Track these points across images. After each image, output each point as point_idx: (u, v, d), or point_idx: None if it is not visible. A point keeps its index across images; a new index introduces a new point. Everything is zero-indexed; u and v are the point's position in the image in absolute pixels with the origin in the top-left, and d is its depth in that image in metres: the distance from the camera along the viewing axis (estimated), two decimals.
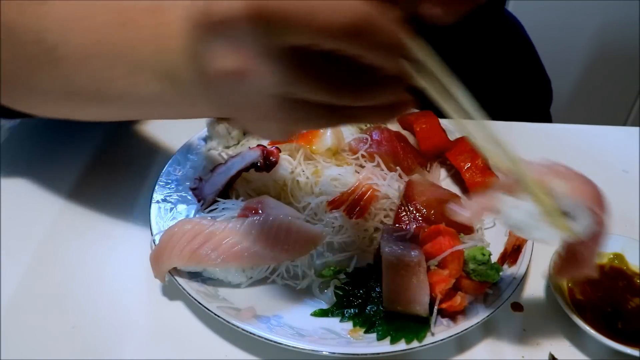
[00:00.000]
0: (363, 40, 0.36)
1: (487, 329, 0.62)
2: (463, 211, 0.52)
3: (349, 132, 0.81)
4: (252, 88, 0.39)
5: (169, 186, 0.75)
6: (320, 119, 0.42)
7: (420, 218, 0.67)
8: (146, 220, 0.69)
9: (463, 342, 0.60)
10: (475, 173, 0.77)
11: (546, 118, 1.15)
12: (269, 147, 0.74)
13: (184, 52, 0.43)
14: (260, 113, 0.41)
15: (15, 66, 0.54)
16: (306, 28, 0.35)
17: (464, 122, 0.44)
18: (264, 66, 0.37)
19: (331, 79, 0.39)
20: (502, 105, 0.97)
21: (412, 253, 0.59)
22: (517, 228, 0.49)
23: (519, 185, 0.48)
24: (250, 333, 0.56)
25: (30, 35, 0.51)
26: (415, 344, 0.56)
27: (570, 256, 0.56)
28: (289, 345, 0.55)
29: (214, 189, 0.72)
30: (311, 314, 0.61)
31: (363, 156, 0.76)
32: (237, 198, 0.72)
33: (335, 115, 0.41)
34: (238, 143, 0.82)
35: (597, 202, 0.51)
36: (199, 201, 0.73)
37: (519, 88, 1.10)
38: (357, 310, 0.61)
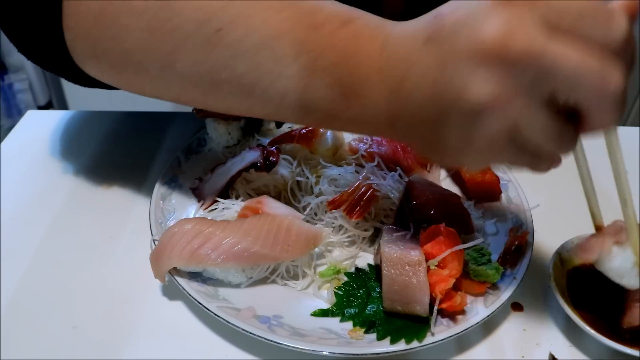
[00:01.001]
0: (617, 108, 0.40)
1: (487, 329, 0.62)
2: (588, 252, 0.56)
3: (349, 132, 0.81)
4: (497, 122, 0.40)
5: (169, 186, 0.75)
6: (526, 162, 0.45)
7: (420, 218, 0.67)
8: (146, 220, 0.69)
9: (463, 342, 0.60)
10: (475, 173, 0.77)
11: None
12: (269, 147, 0.74)
13: (378, 68, 0.43)
14: (483, 147, 0.42)
15: (158, 41, 0.50)
16: (581, 89, 0.38)
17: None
18: (518, 101, 0.39)
19: (564, 134, 0.42)
20: None
21: (412, 253, 0.59)
22: (610, 272, 0.54)
23: (626, 235, 0.52)
24: (250, 333, 0.56)
25: (191, 13, 0.48)
26: (415, 344, 0.56)
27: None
28: (289, 345, 0.55)
29: (214, 189, 0.72)
30: (311, 314, 0.61)
31: (363, 156, 0.76)
32: (237, 198, 0.72)
33: (537, 161, 0.45)
34: (238, 143, 0.82)
35: None
36: (199, 201, 0.73)
37: None
38: (357, 310, 0.61)
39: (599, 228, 0.56)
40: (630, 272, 0.53)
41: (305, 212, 0.71)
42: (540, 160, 0.45)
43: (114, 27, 0.52)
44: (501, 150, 0.42)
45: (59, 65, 0.61)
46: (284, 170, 0.74)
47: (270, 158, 0.72)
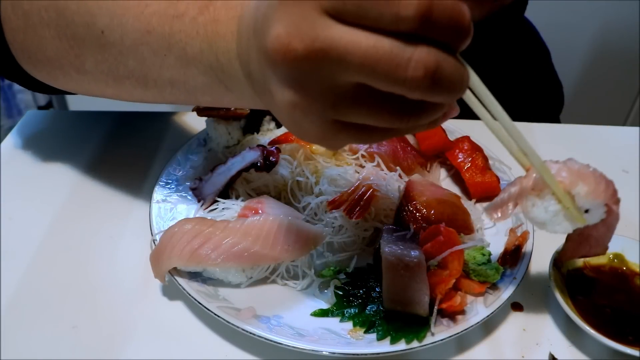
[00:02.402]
0: (427, 91, 0.36)
1: (487, 329, 0.62)
2: (493, 214, 0.55)
3: None
4: (308, 114, 0.40)
5: (169, 186, 0.75)
6: (368, 138, 0.42)
7: (420, 218, 0.67)
8: (146, 220, 0.69)
9: (463, 342, 0.60)
10: (475, 173, 0.77)
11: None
12: (269, 147, 0.74)
13: (237, 53, 0.44)
14: (310, 131, 0.42)
15: (66, 46, 0.56)
16: (370, 73, 0.35)
17: (497, 128, 0.47)
18: (321, 97, 0.38)
19: (384, 111, 0.38)
20: (515, 109, 0.97)
21: (412, 253, 0.59)
22: (539, 224, 0.54)
23: (544, 186, 0.51)
24: (250, 333, 0.56)
25: (79, 18, 0.53)
26: (415, 344, 0.56)
27: (583, 239, 0.60)
28: (289, 345, 0.55)
29: (214, 189, 0.72)
30: (311, 314, 0.61)
31: (363, 156, 0.76)
32: (237, 198, 0.72)
33: (383, 134, 0.42)
34: (238, 143, 0.82)
35: (612, 197, 0.55)
36: (199, 201, 0.73)
37: (533, 93, 1.09)
38: (357, 310, 0.61)
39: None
40: (556, 219, 0.53)
41: (305, 212, 0.71)
42: (387, 132, 0.42)
43: (35, 38, 0.58)
44: (337, 134, 0.41)
45: (16, 74, 0.67)
46: (284, 170, 0.74)
47: (270, 158, 0.72)
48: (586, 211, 0.53)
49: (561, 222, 0.53)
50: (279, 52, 0.36)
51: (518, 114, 0.94)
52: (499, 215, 0.55)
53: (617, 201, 0.56)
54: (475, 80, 0.40)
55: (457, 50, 0.37)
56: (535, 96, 1.10)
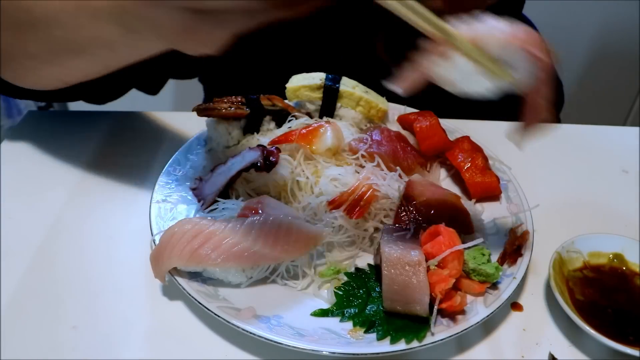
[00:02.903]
0: None
1: (487, 329, 0.62)
2: (399, 84, 0.53)
3: (349, 132, 0.81)
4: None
5: (169, 186, 0.75)
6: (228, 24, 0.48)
7: (420, 218, 0.67)
8: (146, 220, 0.69)
9: (463, 342, 0.60)
10: (475, 173, 0.77)
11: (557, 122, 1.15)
12: (269, 147, 0.74)
13: None
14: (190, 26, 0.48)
15: (9, 35, 0.63)
16: None
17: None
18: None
19: None
20: (514, 108, 0.97)
21: (412, 253, 0.59)
22: (453, 85, 0.51)
23: (450, 47, 0.49)
24: (250, 333, 0.56)
25: (10, 4, 0.61)
26: (415, 344, 0.56)
27: (527, 106, 0.56)
28: (289, 345, 0.55)
29: (214, 189, 0.72)
30: (311, 314, 0.61)
31: (363, 156, 0.76)
32: (237, 198, 0.72)
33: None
34: (238, 143, 0.82)
35: (537, 45, 0.51)
36: (199, 201, 0.73)
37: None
38: (357, 310, 0.61)
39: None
40: (472, 78, 0.51)
41: (305, 212, 0.71)
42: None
43: None
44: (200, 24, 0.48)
45: None
46: (284, 170, 0.74)
47: (270, 158, 0.72)
48: (506, 64, 0.51)
49: (478, 79, 0.51)
50: None
51: (517, 113, 0.94)
52: (405, 83, 0.53)
53: (547, 52, 0.52)
54: None
55: None
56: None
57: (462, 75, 0.51)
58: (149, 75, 0.86)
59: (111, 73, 0.65)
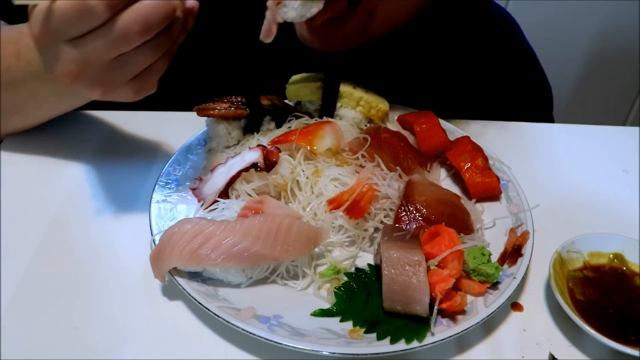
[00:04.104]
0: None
1: (487, 329, 0.62)
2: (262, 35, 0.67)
3: (349, 132, 0.81)
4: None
5: (169, 186, 0.75)
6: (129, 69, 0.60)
7: (420, 218, 0.67)
8: (146, 220, 0.69)
9: (463, 342, 0.60)
10: (475, 173, 0.77)
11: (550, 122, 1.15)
12: (269, 147, 0.74)
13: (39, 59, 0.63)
14: (96, 77, 0.60)
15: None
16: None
17: None
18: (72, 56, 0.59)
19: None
20: (504, 112, 0.97)
21: (412, 253, 0.59)
22: (295, 18, 0.66)
23: None
24: (250, 333, 0.56)
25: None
26: (415, 344, 0.56)
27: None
28: (289, 345, 0.55)
29: (214, 189, 0.72)
30: (311, 314, 0.61)
31: (363, 156, 0.76)
32: (237, 198, 0.72)
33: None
34: (238, 143, 0.82)
35: None
36: (199, 201, 0.73)
37: (520, 95, 1.09)
38: (357, 310, 0.61)
39: None
40: (302, 9, 0.66)
41: (305, 212, 0.71)
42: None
43: None
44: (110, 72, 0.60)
45: None
46: (284, 170, 0.74)
47: (271, 158, 0.72)
48: None
49: (306, 8, 0.66)
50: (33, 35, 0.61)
51: (508, 117, 0.95)
52: (270, 32, 0.66)
53: None
54: None
55: None
56: (522, 98, 1.09)
57: (296, 11, 0.66)
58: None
59: None
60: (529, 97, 1.10)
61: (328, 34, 0.75)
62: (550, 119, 1.15)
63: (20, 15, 0.79)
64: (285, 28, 0.69)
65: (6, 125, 0.83)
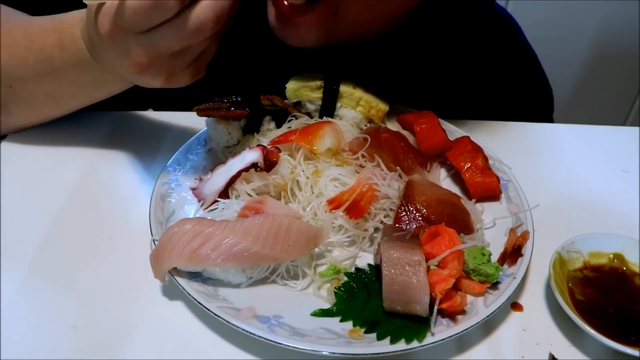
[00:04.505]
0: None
1: (487, 329, 0.62)
2: None
3: (349, 132, 0.81)
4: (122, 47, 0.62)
5: (169, 186, 0.75)
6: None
7: (420, 218, 0.67)
8: (146, 220, 0.69)
9: (463, 342, 0.60)
10: (475, 173, 0.77)
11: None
12: (269, 147, 0.74)
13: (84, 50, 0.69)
14: (138, 62, 0.62)
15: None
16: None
17: None
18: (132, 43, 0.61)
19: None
20: (504, 114, 0.97)
21: (412, 253, 0.59)
22: None
23: None
24: (250, 333, 0.56)
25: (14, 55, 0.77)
26: (415, 344, 0.56)
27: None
28: (288, 345, 0.55)
29: (214, 189, 0.72)
30: (311, 314, 0.61)
31: (363, 156, 0.76)
32: (237, 198, 0.72)
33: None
34: (238, 143, 0.82)
35: None
36: (199, 201, 0.73)
37: (520, 97, 1.09)
38: (357, 310, 0.61)
39: None
40: None
41: (305, 212, 0.71)
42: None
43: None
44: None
45: None
46: (284, 170, 0.74)
47: (271, 158, 0.72)
48: None
49: None
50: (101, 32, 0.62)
51: (508, 119, 0.95)
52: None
53: None
54: None
55: None
56: (523, 101, 1.09)
57: None
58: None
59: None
60: (529, 99, 1.10)
61: (290, 22, 0.74)
62: (550, 122, 1.15)
63: (31, 4, 0.83)
64: None
65: (34, 115, 0.84)
